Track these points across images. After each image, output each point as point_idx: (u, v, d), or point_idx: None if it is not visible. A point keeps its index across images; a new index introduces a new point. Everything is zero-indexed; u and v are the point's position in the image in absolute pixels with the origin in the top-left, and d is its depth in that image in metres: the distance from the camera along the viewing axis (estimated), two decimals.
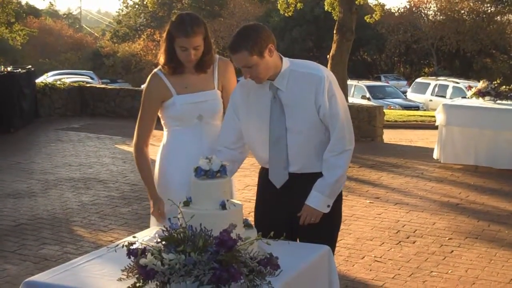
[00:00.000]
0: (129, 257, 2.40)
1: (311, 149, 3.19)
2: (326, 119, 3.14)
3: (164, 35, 3.45)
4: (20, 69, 13.53)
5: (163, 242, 2.37)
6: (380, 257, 5.43)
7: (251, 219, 3.11)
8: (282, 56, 3.20)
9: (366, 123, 11.43)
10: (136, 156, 3.57)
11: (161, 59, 3.48)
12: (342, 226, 6.12)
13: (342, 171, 3.18)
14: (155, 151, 3.60)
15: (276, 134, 3.17)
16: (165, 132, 3.59)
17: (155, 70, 3.55)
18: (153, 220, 3.61)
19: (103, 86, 17.91)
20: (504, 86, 9.35)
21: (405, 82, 35.65)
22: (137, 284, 2.32)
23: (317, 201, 3.17)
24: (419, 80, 28.47)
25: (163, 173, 3.55)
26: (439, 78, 27.61)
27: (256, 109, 3.23)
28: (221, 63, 3.56)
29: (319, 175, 3.19)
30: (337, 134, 3.14)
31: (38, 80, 15.87)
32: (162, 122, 3.60)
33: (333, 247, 3.24)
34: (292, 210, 3.23)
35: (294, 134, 3.16)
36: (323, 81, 3.10)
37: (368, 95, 24.71)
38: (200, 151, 3.34)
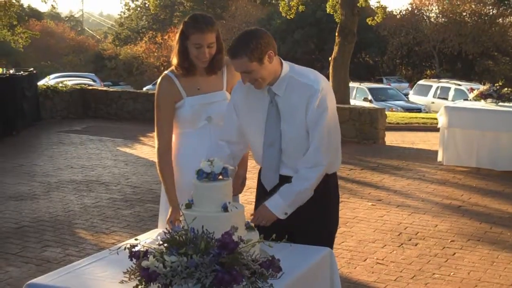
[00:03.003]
0: (131, 260, 2.40)
1: (303, 155, 3.17)
2: (310, 129, 3.11)
3: (177, 36, 3.43)
4: (22, 72, 13.55)
5: (165, 245, 2.38)
6: (382, 260, 5.42)
7: None
8: (283, 61, 3.19)
9: (368, 125, 11.43)
10: (159, 161, 3.45)
11: (174, 60, 3.46)
12: (344, 228, 6.13)
13: (309, 185, 3.10)
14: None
15: (271, 138, 3.18)
16: (173, 135, 3.55)
17: (166, 72, 3.53)
18: (160, 223, 3.59)
19: (105, 88, 17.94)
20: (506, 88, 9.34)
21: (407, 84, 35.61)
22: (139, 287, 2.33)
23: (276, 205, 3.12)
24: (421, 82, 28.47)
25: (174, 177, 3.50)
26: (441, 80, 27.55)
27: (254, 111, 3.23)
28: (229, 64, 3.52)
29: None
30: (314, 145, 3.09)
31: (40, 83, 15.87)
32: None
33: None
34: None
35: (288, 139, 3.16)
36: (316, 93, 3.08)
37: (370, 97, 24.70)
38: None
